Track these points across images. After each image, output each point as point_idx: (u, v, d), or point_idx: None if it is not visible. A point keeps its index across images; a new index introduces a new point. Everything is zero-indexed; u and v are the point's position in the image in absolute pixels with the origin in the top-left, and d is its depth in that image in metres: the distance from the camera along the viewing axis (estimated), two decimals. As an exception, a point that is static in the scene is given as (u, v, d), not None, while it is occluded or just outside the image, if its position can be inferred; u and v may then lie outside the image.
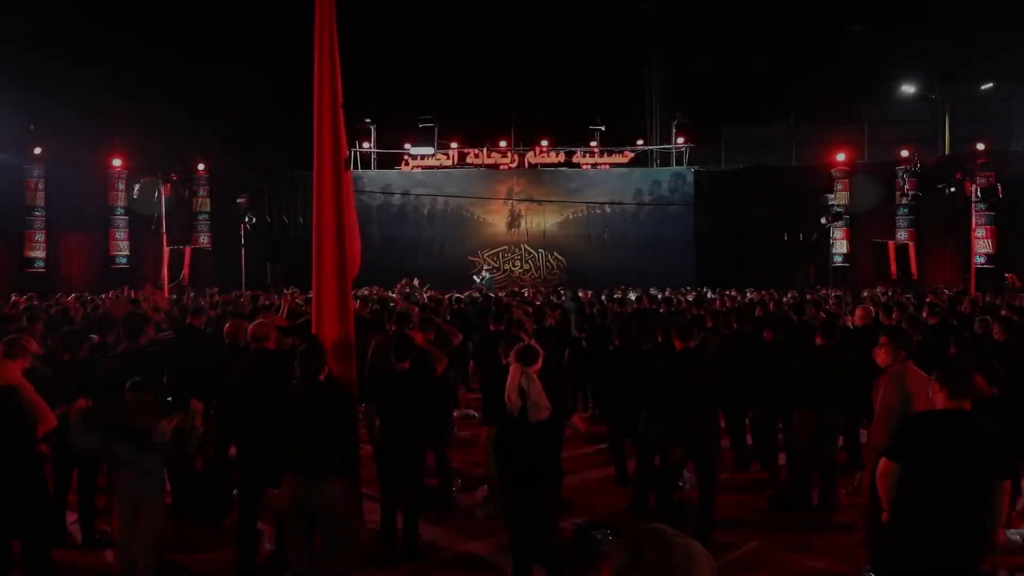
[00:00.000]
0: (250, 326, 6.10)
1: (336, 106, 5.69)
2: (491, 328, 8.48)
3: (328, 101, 5.69)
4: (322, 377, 4.89)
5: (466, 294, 19.46)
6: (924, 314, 10.77)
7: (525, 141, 30.25)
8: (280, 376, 5.62)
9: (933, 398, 4.12)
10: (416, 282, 20.69)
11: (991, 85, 28.85)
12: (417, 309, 9.64)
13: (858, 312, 9.06)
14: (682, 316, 9.86)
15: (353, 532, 5.00)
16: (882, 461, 4.09)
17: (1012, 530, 6.12)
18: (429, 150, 30.21)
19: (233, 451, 6.41)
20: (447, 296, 16.82)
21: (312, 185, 5.71)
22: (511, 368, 4.83)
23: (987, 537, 4.03)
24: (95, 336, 7.17)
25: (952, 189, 21.85)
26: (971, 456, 3.91)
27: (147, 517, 5.11)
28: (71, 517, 6.37)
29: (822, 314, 11.14)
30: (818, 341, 7.03)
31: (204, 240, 27.41)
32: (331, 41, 5.70)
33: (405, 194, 30.33)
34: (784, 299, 16.03)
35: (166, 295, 18.93)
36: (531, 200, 30.04)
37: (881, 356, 5.34)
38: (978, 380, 6.08)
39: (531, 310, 10.84)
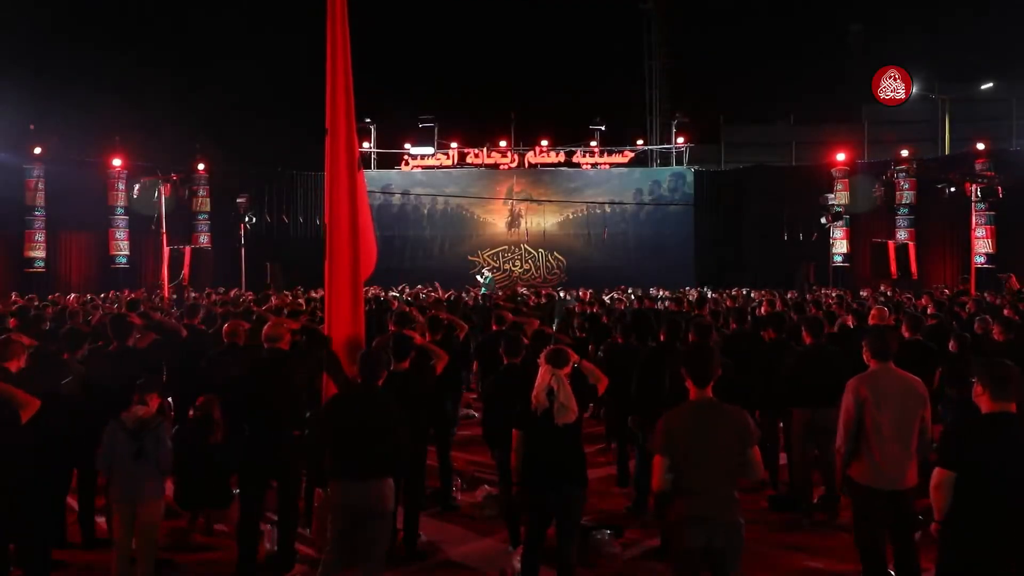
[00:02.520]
0: (264, 327, 6.09)
1: (349, 107, 5.69)
2: (493, 328, 8.43)
3: (343, 102, 5.69)
4: (381, 382, 4.92)
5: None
6: (930, 309, 10.78)
7: (525, 141, 30.26)
8: (290, 377, 5.62)
9: (977, 401, 4.05)
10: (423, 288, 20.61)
11: (991, 85, 28.83)
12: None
13: (873, 312, 9.06)
14: (682, 316, 9.84)
15: (391, 533, 5.02)
16: (936, 471, 3.99)
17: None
18: (429, 150, 30.21)
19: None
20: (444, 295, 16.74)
21: (319, 185, 5.76)
22: (541, 369, 4.84)
23: None
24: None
25: (952, 189, 21.83)
26: (1020, 461, 3.85)
27: (146, 517, 5.12)
28: (71, 517, 6.36)
29: (820, 313, 11.15)
30: (806, 340, 7.04)
31: (204, 240, 27.39)
32: (344, 43, 5.70)
33: (405, 194, 30.33)
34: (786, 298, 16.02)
35: (166, 295, 18.95)
36: (531, 200, 30.03)
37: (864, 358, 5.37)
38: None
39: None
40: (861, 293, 18.98)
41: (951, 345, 7.67)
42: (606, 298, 16.96)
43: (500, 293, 18.46)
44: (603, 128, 30.19)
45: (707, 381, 4.25)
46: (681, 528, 4.13)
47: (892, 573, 5.12)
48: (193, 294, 18.89)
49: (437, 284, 20.99)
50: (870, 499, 4.94)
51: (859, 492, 5.03)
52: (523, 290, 20.14)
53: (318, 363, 5.80)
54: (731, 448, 4.13)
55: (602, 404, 9.29)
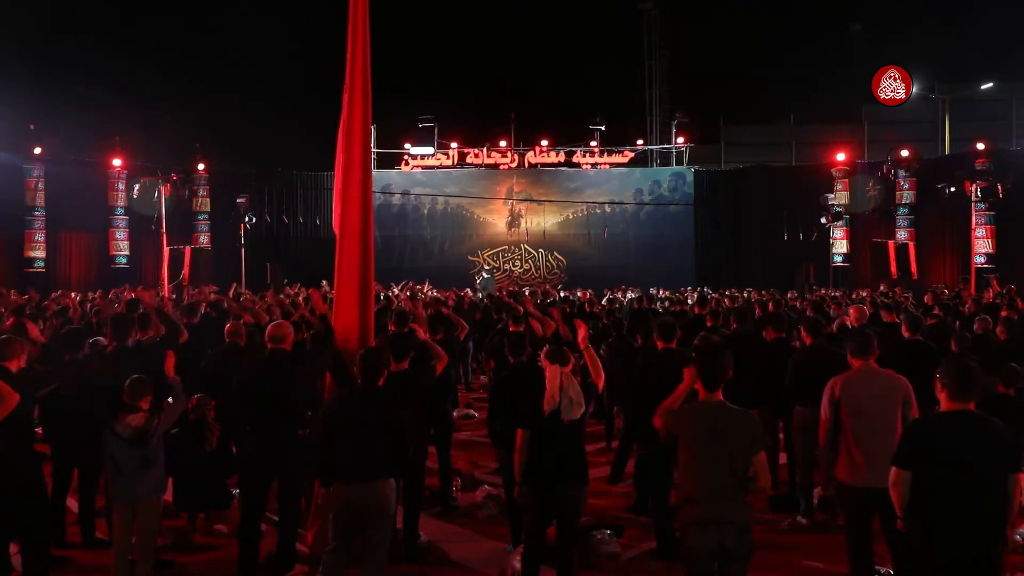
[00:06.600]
0: (268, 326, 6.08)
1: (366, 106, 5.68)
2: (511, 328, 8.41)
3: (360, 100, 5.68)
4: (381, 382, 4.91)
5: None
6: (936, 310, 10.77)
7: (525, 141, 30.24)
8: (294, 377, 5.61)
9: (938, 399, 4.05)
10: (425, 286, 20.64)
11: (991, 85, 28.84)
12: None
13: (852, 312, 9.05)
14: (684, 316, 9.85)
15: (392, 532, 5.02)
16: (892, 470, 4.01)
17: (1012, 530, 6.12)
18: (429, 150, 30.18)
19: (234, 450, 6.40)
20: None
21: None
22: (550, 370, 4.86)
23: (1005, 536, 3.96)
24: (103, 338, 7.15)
25: (952, 189, 21.81)
26: (977, 457, 3.83)
27: (145, 517, 5.11)
28: (71, 517, 6.36)
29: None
30: (806, 340, 7.05)
31: (204, 240, 27.36)
32: (364, 41, 5.70)
33: (405, 194, 30.31)
34: (786, 298, 16.03)
35: (166, 294, 18.92)
36: (531, 200, 30.02)
37: None
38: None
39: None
40: (862, 293, 18.96)
41: (952, 345, 7.66)
42: (605, 300, 17.00)
43: (497, 292, 18.47)
44: (603, 128, 30.15)
45: (717, 384, 4.22)
46: (693, 530, 4.12)
47: (880, 572, 5.15)
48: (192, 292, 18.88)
49: (428, 283, 21.08)
50: (852, 497, 4.98)
51: (842, 491, 5.09)
52: (526, 290, 20.13)
53: (323, 364, 5.80)
54: (740, 451, 4.12)
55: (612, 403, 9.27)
